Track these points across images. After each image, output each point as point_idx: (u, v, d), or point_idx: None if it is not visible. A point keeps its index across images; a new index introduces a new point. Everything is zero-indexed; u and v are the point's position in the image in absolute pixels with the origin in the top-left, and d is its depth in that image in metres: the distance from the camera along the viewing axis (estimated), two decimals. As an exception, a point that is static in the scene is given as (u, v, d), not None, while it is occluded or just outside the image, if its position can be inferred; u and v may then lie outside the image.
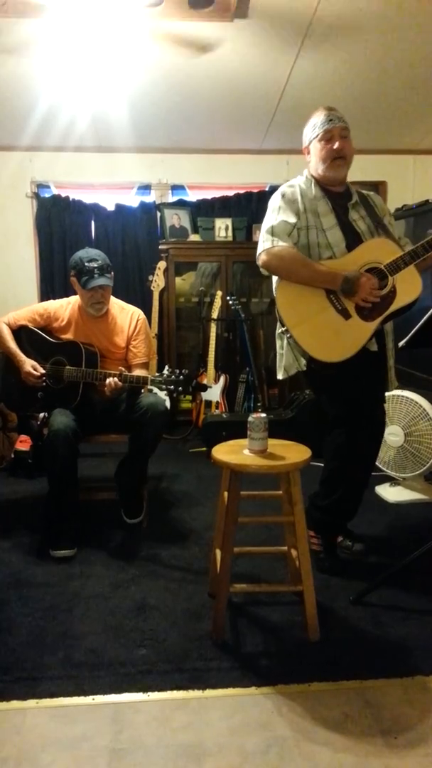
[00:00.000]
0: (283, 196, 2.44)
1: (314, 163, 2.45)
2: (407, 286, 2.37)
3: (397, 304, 2.37)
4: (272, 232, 2.39)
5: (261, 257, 2.43)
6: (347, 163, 2.44)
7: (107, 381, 2.79)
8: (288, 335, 2.45)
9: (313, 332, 2.38)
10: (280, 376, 2.57)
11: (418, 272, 2.35)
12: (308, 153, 2.50)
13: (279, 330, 2.53)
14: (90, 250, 3.01)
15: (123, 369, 2.85)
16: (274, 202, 2.46)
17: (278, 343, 2.57)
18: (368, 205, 2.51)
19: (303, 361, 2.46)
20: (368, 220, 2.47)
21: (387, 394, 3.24)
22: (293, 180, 2.52)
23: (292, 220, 2.39)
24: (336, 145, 2.38)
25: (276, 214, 2.42)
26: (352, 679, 1.86)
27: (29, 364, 2.96)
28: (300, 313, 2.41)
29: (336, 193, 2.47)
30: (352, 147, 2.44)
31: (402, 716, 1.72)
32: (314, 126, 2.43)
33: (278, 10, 3.05)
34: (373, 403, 2.53)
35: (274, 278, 2.48)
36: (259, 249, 2.43)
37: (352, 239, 2.41)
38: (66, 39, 3.27)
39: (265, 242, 2.40)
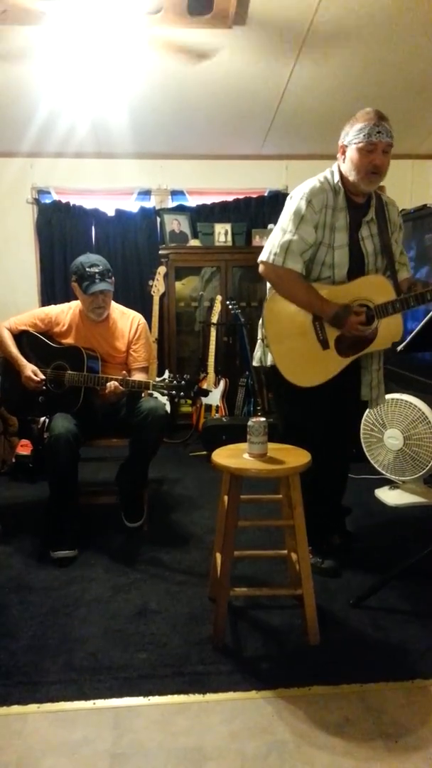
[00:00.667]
0: (309, 203, 2.32)
1: (347, 168, 2.35)
2: (388, 332, 2.41)
3: (374, 347, 2.43)
4: (288, 248, 2.31)
5: (265, 267, 2.40)
6: (382, 178, 2.34)
7: (108, 384, 2.80)
8: (264, 341, 2.51)
9: (290, 353, 2.43)
10: (253, 363, 2.66)
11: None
12: (343, 153, 2.37)
13: (260, 324, 2.56)
14: (91, 256, 3.02)
15: (125, 373, 2.87)
16: (300, 206, 2.33)
17: (259, 332, 2.61)
18: (382, 220, 2.45)
19: (269, 360, 2.50)
20: (376, 239, 2.44)
21: (386, 397, 3.26)
22: (323, 179, 2.39)
23: (311, 239, 2.33)
24: (376, 161, 2.28)
25: (296, 224, 2.32)
26: (353, 683, 1.87)
27: (30, 369, 2.97)
28: (283, 330, 2.44)
29: (356, 204, 2.42)
30: (389, 162, 2.33)
31: (402, 720, 1.72)
32: (360, 131, 2.27)
33: (276, 16, 3.06)
34: (327, 424, 2.53)
35: (268, 284, 2.49)
36: (266, 256, 2.37)
37: (356, 261, 2.40)
38: (66, 46, 3.28)
39: (276, 255, 2.33)
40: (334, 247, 2.37)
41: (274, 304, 2.45)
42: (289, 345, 2.43)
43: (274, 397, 2.71)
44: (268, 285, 2.50)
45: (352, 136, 2.31)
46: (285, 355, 2.43)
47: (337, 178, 2.40)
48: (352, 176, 2.34)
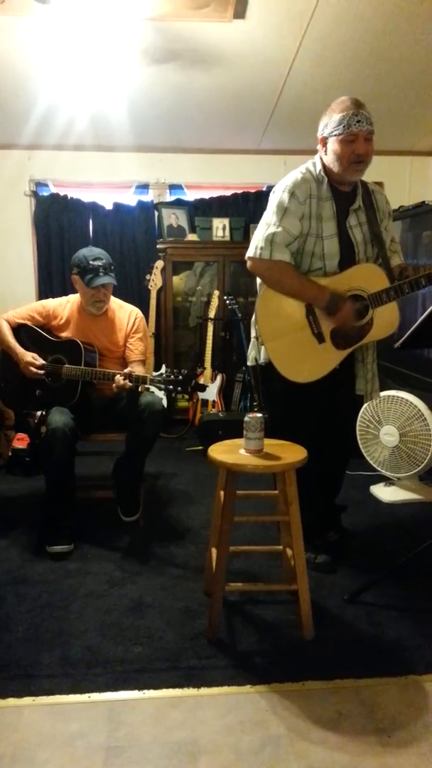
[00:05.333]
0: (292, 195, 2.31)
1: (331, 159, 2.32)
2: (384, 322, 2.41)
3: (370, 338, 2.43)
4: (272, 241, 2.30)
5: (253, 262, 2.39)
6: (367, 166, 2.34)
7: (116, 378, 2.78)
8: (259, 339, 2.48)
9: (286, 350, 2.40)
10: (247, 362, 2.63)
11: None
12: (324, 145, 2.35)
13: (253, 322, 2.56)
14: (94, 249, 3.02)
15: (131, 370, 2.85)
16: (283, 199, 2.32)
17: (252, 330, 2.60)
18: (370, 208, 2.44)
19: (261, 358, 2.50)
20: (365, 228, 2.43)
21: (382, 394, 3.27)
22: (305, 171, 2.38)
23: (295, 231, 2.31)
24: (359, 150, 2.26)
25: (280, 216, 2.31)
26: (347, 678, 1.88)
27: (29, 355, 2.96)
28: (277, 328, 2.41)
29: (342, 192, 2.40)
30: (373, 149, 2.32)
31: (396, 715, 1.73)
32: (339, 122, 2.25)
33: (277, 10, 3.05)
34: (321, 421, 2.54)
35: (259, 280, 2.48)
36: (253, 252, 2.36)
37: (347, 250, 2.39)
38: (65, 38, 3.26)
39: (262, 249, 2.32)
40: (323, 237, 2.35)
41: (266, 302, 2.42)
42: (284, 341, 2.40)
43: (266, 396, 2.69)
44: (258, 282, 2.48)
45: (331, 128, 2.30)
46: (280, 351, 2.40)
47: (319, 167, 2.39)
48: (336, 167, 2.32)
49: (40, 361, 2.96)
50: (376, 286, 2.35)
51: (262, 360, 2.50)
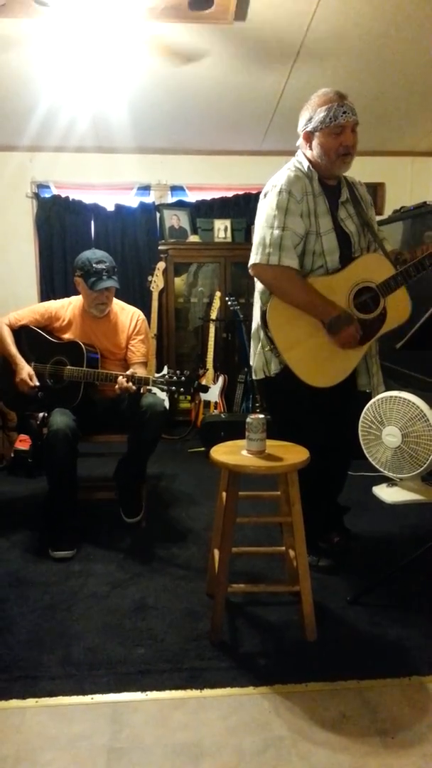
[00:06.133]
0: (290, 193, 2.27)
1: (317, 154, 2.30)
2: (397, 309, 2.39)
3: (387, 327, 2.39)
4: (281, 245, 2.24)
5: (259, 269, 2.33)
6: (353, 158, 2.31)
7: (118, 379, 2.78)
8: (268, 347, 2.41)
9: (306, 357, 2.34)
10: (254, 376, 2.55)
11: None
12: (308, 140, 2.33)
13: (255, 330, 2.51)
14: (97, 252, 3.02)
15: (134, 371, 2.85)
16: (281, 199, 2.27)
17: (253, 343, 2.54)
18: (356, 200, 2.44)
19: (272, 368, 2.42)
20: (356, 219, 2.42)
21: (383, 395, 3.26)
22: (293, 168, 2.34)
23: (301, 230, 2.28)
24: (347, 141, 2.25)
25: (282, 218, 2.26)
26: (350, 679, 1.87)
27: (26, 372, 2.95)
28: (292, 336, 2.34)
29: (329, 187, 2.38)
30: (357, 140, 2.30)
31: (399, 716, 1.73)
32: (325, 115, 2.23)
33: (277, 12, 3.06)
34: (327, 421, 2.50)
35: (259, 286, 2.44)
36: (260, 257, 2.29)
37: (344, 244, 2.38)
38: (66, 40, 3.27)
39: (270, 254, 2.26)
40: (320, 233, 2.33)
41: (276, 312, 2.35)
42: (302, 348, 2.33)
43: (275, 405, 2.60)
44: (259, 289, 2.45)
45: (317, 121, 2.27)
46: (301, 359, 2.33)
47: (306, 164, 2.36)
48: (324, 161, 2.30)
49: (35, 383, 2.95)
50: (382, 275, 2.33)
51: (274, 371, 2.41)
